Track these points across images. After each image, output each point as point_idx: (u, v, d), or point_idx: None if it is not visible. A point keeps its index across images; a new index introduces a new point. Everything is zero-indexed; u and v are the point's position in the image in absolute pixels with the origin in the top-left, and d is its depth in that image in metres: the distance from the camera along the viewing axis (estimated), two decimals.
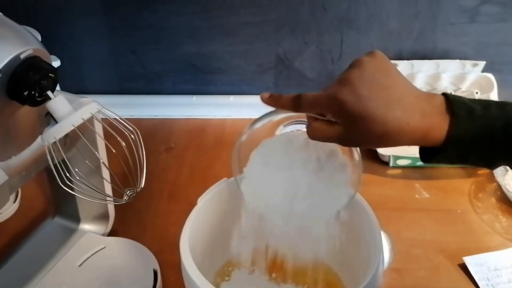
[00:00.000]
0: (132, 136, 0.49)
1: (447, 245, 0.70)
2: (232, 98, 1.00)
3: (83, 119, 0.47)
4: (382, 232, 0.53)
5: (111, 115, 0.50)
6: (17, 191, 0.77)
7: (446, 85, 0.94)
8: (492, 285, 0.64)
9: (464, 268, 0.66)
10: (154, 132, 0.96)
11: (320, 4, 0.88)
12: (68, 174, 0.49)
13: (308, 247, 0.57)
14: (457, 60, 0.93)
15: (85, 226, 0.70)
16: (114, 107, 0.51)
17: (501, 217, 0.76)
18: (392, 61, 0.90)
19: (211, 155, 0.90)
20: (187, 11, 0.90)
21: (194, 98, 1.01)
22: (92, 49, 0.97)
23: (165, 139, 0.94)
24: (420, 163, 0.84)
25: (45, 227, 0.70)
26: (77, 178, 0.49)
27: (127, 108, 0.96)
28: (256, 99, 1.09)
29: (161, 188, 0.82)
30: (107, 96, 1.00)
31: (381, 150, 0.86)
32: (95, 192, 0.52)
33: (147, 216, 0.76)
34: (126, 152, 0.49)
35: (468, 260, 0.67)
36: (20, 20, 0.46)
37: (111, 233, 0.71)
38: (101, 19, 0.92)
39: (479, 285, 0.64)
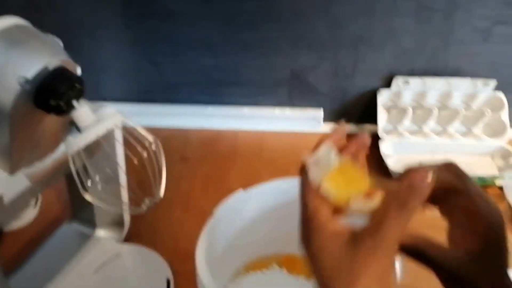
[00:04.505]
0: (153, 146, 0.51)
1: None
2: (245, 109, 1.01)
3: (107, 129, 0.48)
4: None
5: (133, 126, 0.51)
6: (37, 196, 0.78)
7: (457, 103, 0.95)
8: None
9: None
10: (168, 142, 0.96)
11: (336, 21, 0.89)
12: (89, 182, 0.50)
13: None
14: (469, 78, 0.94)
15: (101, 232, 0.71)
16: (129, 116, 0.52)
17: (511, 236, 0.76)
18: (404, 78, 0.92)
19: (224, 165, 0.91)
20: (207, 25, 0.91)
21: (209, 109, 1.02)
22: (112, 60, 0.98)
23: (179, 149, 0.95)
24: None
25: (61, 232, 0.72)
26: (98, 186, 0.50)
27: (141, 117, 0.97)
28: (268, 111, 1.09)
29: (175, 198, 0.83)
30: (123, 104, 1.02)
31: (391, 166, 0.86)
32: (114, 200, 0.53)
33: (160, 225, 0.77)
34: (146, 162, 0.51)
35: None
36: (43, 30, 0.47)
37: (125, 240, 0.72)
38: (122, 31, 0.93)
39: None
